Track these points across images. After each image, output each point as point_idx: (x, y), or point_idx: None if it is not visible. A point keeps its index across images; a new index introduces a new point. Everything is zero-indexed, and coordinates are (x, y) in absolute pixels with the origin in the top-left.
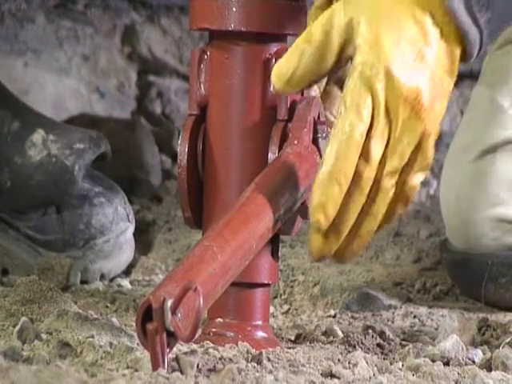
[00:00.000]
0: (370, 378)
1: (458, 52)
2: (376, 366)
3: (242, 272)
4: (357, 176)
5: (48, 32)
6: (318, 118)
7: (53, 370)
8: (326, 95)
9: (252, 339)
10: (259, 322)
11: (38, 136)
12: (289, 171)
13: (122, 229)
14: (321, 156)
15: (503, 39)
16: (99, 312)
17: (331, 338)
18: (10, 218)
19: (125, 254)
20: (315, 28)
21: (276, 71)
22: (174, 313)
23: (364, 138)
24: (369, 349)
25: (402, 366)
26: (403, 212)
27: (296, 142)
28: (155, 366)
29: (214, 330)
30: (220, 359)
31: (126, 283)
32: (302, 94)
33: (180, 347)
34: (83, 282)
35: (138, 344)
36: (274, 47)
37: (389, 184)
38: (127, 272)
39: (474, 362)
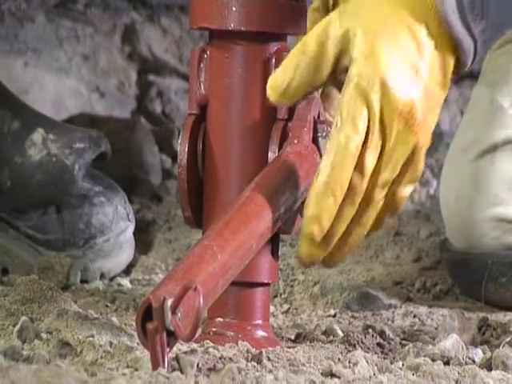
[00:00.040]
0: (370, 377)
1: (451, 64)
2: (376, 365)
3: (242, 271)
4: (351, 188)
5: (48, 31)
6: (318, 117)
7: (53, 369)
8: (324, 96)
9: (252, 338)
10: (259, 322)
11: (38, 135)
12: (289, 170)
13: (122, 228)
14: (321, 155)
15: (503, 39)
16: (99, 311)
17: (331, 338)
18: (10, 218)
19: (125, 254)
20: (310, 39)
21: (271, 83)
22: (174, 312)
23: (359, 150)
24: (369, 348)
25: (402, 365)
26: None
27: (296, 141)
28: (155, 365)
29: (214, 329)
30: (220, 358)
31: (126, 282)
32: None
33: (180, 346)
34: (83, 281)
35: (138, 343)
36: (273, 47)
37: (380, 195)
38: (127, 271)
39: (474, 361)
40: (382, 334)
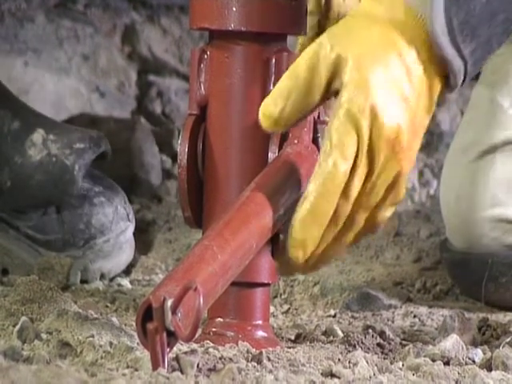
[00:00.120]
0: (370, 377)
1: (438, 88)
2: (376, 365)
3: (242, 271)
4: (335, 212)
5: (48, 31)
6: (318, 117)
7: (53, 369)
8: None
9: (252, 339)
10: (259, 322)
11: (38, 136)
12: (289, 171)
13: (122, 228)
14: None
15: None
16: (99, 312)
17: (331, 338)
18: (10, 218)
19: (125, 254)
20: (301, 64)
21: (263, 110)
22: (174, 312)
23: (347, 177)
24: (369, 348)
25: (402, 365)
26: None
27: (296, 141)
28: (155, 365)
29: (214, 329)
30: (220, 359)
31: (126, 283)
32: None
33: (180, 347)
34: (83, 281)
35: (138, 343)
36: (273, 47)
37: (362, 218)
38: (127, 271)
39: (474, 361)
40: (382, 334)
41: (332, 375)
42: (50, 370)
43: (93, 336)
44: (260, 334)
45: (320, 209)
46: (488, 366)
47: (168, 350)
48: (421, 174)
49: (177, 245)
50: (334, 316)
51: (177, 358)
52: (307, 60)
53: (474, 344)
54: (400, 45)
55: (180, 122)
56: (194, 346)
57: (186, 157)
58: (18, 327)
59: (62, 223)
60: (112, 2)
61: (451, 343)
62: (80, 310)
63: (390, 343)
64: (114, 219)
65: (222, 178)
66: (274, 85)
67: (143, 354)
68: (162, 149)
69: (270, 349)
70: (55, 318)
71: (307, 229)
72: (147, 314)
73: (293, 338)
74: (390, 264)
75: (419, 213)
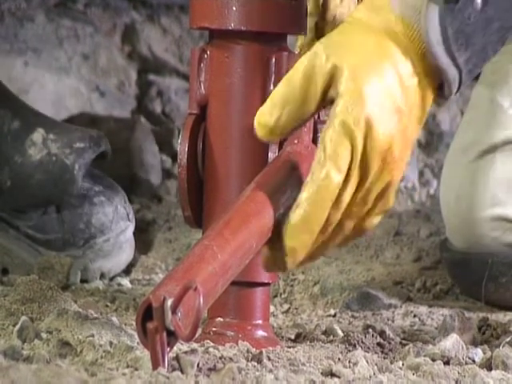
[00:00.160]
0: (370, 377)
1: (430, 100)
2: (376, 365)
3: (242, 271)
4: (326, 221)
5: (48, 31)
6: (318, 117)
7: (53, 369)
8: None
9: (252, 338)
10: (259, 321)
11: (38, 135)
12: (289, 170)
13: (122, 228)
14: None
15: None
16: (99, 311)
17: (331, 337)
18: (10, 218)
19: (125, 253)
20: (296, 73)
21: (259, 120)
22: (174, 312)
23: (340, 187)
24: (369, 348)
25: (402, 365)
26: None
27: (296, 141)
28: (155, 365)
29: (214, 329)
30: (220, 358)
31: (126, 282)
32: None
33: (180, 346)
34: (83, 281)
35: (138, 343)
36: (274, 46)
37: (350, 225)
38: (127, 271)
39: (474, 361)
40: (382, 333)
41: (332, 375)
42: (50, 370)
43: (93, 335)
44: (260, 333)
45: (312, 218)
46: (488, 365)
47: (168, 349)
48: (421, 173)
49: (177, 244)
50: (334, 315)
51: (177, 358)
52: (303, 69)
53: (474, 343)
54: (395, 56)
55: (180, 121)
56: (194, 345)
57: (186, 156)
58: (18, 327)
59: (62, 223)
60: (112, 2)
61: (451, 343)
62: (80, 310)
63: (390, 343)
64: (114, 219)
65: (222, 177)
66: (275, 84)
67: (143, 354)
68: (161, 148)
69: (270, 348)
70: (55, 317)
71: (298, 237)
72: (147, 314)
73: (293, 337)
74: (390, 263)
75: (419, 212)
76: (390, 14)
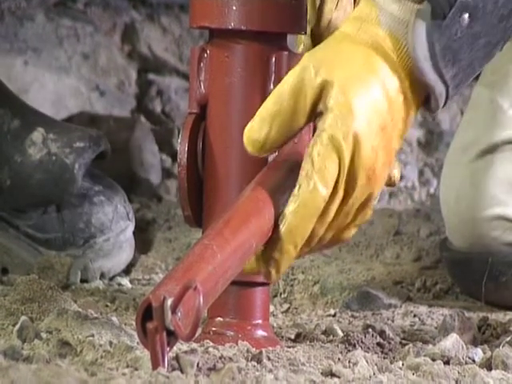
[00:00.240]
0: (370, 376)
1: (413, 115)
2: (376, 364)
3: (242, 271)
4: (310, 234)
5: (48, 30)
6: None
7: (53, 368)
8: None
9: (252, 338)
10: (259, 321)
11: (38, 135)
12: (289, 170)
13: (121, 227)
14: None
15: None
16: (99, 311)
17: (331, 337)
18: (9, 217)
19: (125, 253)
20: (285, 88)
21: (248, 135)
22: (174, 312)
23: (325, 201)
24: (369, 348)
25: (402, 365)
26: None
27: (296, 140)
28: (155, 364)
29: (214, 328)
30: (220, 358)
31: (125, 282)
32: None
33: (180, 346)
34: (83, 280)
35: (137, 343)
36: (274, 46)
37: (329, 236)
38: (127, 271)
39: (474, 361)
40: (381, 333)
41: (332, 374)
42: (49, 370)
43: (93, 335)
44: (260, 333)
45: (297, 231)
46: (488, 365)
47: (168, 349)
48: (421, 173)
49: (177, 244)
50: (334, 315)
51: (177, 358)
52: (291, 84)
53: (474, 343)
54: (383, 71)
55: (180, 120)
56: (194, 345)
57: (185, 156)
58: (17, 326)
59: (62, 222)
60: (112, 1)
61: (451, 342)
62: (80, 310)
63: (389, 342)
64: (114, 218)
65: (222, 177)
66: (275, 84)
67: (143, 354)
68: (161, 148)
69: (270, 348)
70: (55, 317)
71: (282, 248)
72: (147, 314)
73: (293, 337)
74: (390, 263)
75: (419, 212)
76: (377, 28)
